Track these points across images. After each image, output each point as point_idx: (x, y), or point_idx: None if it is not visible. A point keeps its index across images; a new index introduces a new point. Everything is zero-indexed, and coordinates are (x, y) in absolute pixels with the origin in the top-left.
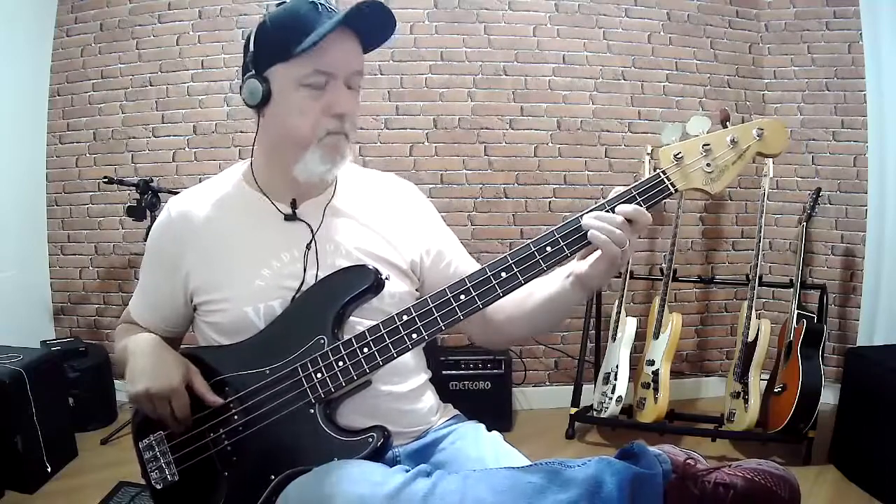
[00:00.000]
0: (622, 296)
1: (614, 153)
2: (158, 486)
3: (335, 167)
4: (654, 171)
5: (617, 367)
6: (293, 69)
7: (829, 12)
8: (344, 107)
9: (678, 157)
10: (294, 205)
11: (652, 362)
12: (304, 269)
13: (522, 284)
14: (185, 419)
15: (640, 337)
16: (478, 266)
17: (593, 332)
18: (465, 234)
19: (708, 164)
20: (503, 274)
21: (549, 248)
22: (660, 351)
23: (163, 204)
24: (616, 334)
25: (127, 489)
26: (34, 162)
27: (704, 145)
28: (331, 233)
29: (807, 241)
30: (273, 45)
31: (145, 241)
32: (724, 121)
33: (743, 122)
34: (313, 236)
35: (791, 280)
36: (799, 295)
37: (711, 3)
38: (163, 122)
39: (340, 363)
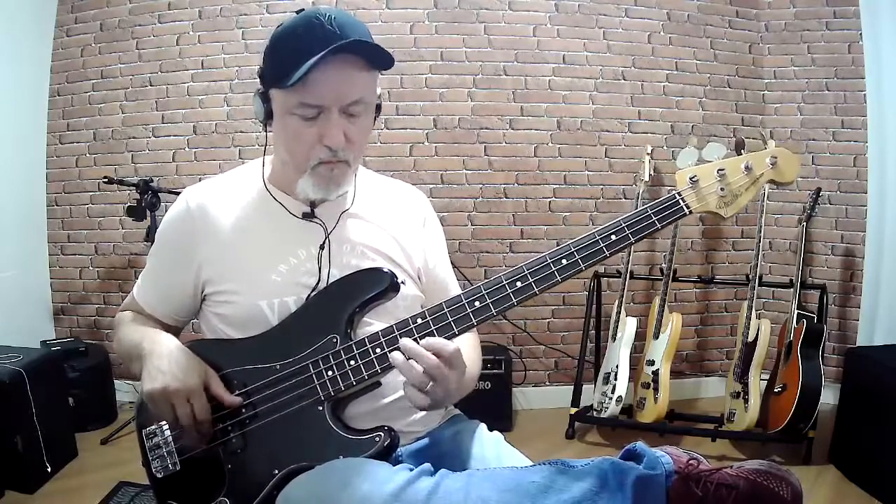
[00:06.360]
0: (622, 296)
1: (614, 153)
2: (159, 475)
3: (330, 194)
4: (654, 171)
5: (617, 367)
6: (285, 97)
7: (829, 12)
8: (334, 140)
9: (694, 180)
10: (313, 204)
11: (652, 362)
12: (320, 269)
13: (537, 294)
14: (205, 421)
15: (640, 337)
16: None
17: (593, 332)
18: (465, 234)
19: (722, 189)
20: (518, 283)
21: (564, 261)
22: (660, 351)
23: (163, 204)
24: (616, 334)
25: (127, 489)
26: (34, 162)
27: (719, 170)
28: (346, 233)
29: (807, 241)
30: (270, 68)
31: (145, 241)
32: (739, 148)
33: (743, 122)
34: (326, 236)
35: (791, 280)
36: (799, 295)
37: (711, 3)
38: (163, 122)
39: (352, 362)
